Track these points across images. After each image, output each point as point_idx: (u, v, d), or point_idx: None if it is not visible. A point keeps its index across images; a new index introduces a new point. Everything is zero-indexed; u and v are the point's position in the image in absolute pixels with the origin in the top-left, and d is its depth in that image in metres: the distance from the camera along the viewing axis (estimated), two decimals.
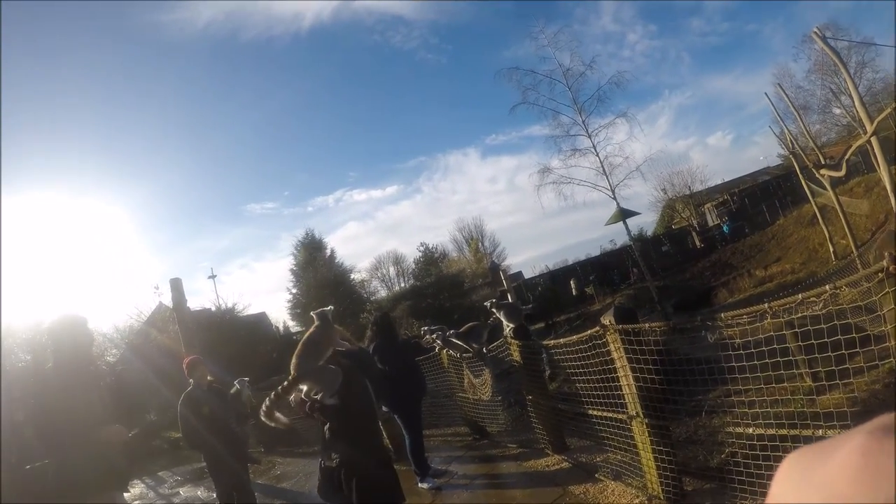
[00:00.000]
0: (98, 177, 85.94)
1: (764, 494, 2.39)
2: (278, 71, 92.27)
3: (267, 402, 3.92)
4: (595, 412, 5.04)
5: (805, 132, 22.03)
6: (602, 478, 5.12)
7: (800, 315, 2.95)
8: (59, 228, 55.70)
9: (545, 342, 6.47)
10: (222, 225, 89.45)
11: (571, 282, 33.02)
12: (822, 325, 2.85)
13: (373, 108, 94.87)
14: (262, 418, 4.01)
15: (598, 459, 5.37)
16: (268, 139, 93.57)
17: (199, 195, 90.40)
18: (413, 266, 50.28)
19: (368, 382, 4.26)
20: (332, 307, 4.30)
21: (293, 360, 3.94)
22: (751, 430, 3.43)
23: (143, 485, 12.34)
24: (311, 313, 4.25)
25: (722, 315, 3.37)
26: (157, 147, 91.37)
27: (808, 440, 3.02)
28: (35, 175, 68.65)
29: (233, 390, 6.81)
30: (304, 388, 3.93)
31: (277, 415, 4.00)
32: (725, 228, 36.36)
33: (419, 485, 6.66)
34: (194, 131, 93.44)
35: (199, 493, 10.01)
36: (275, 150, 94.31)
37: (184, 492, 10.81)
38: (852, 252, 16.73)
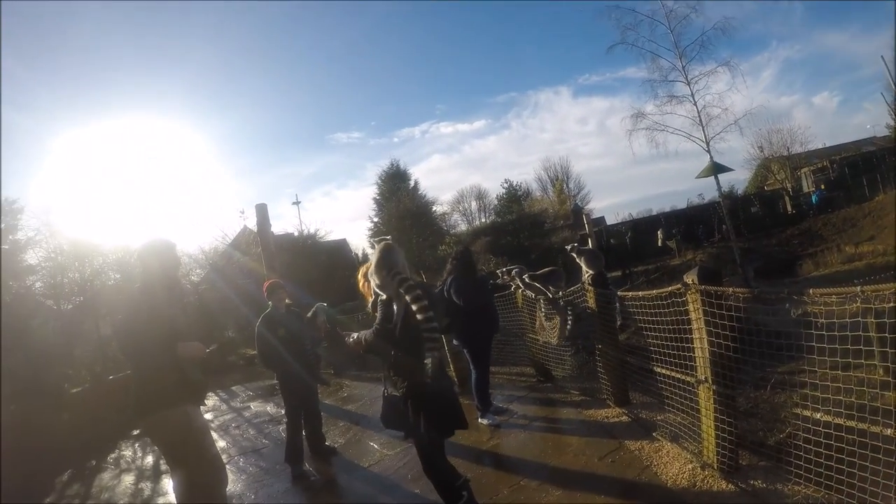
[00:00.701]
0: (188, 103, 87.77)
1: (818, 482, 2.34)
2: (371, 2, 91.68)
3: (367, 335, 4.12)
4: (662, 370, 4.99)
5: None
6: (659, 437, 5.12)
7: (892, 305, 2.82)
8: (149, 152, 57.17)
9: (620, 292, 6.38)
10: (308, 153, 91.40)
11: (659, 232, 32.24)
12: None
13: (465, 39, 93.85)
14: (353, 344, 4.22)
15: (658, 418, 5.36)
16: (356, 69, 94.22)
17: (287, 124, 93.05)
18: (495, 202, 50.33)
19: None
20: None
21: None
22: (818, 416, 3.33)
23: (217, 397, 12.99)
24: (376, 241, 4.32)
25: (810, 291, 3.24)
26: (247, 76, 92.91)
27: (875, 437, 2.95)
28: (127, 99, 70.67)
29: (309, 314, 6.99)
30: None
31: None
32: (814, 198, 34.74)
33: (479, 420, 6.81)
34: (283, 62, 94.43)
35: (268, 408, 10.43)
36: (362, 81, 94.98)
37: (254, 406, 11.28)
38: None
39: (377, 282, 4.06)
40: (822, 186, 36.14)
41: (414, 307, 3.83)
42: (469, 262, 7.32)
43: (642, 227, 36.16)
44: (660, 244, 31.46)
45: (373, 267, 4.10)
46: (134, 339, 3.94)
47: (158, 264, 4.21)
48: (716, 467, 4.19)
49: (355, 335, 4.21)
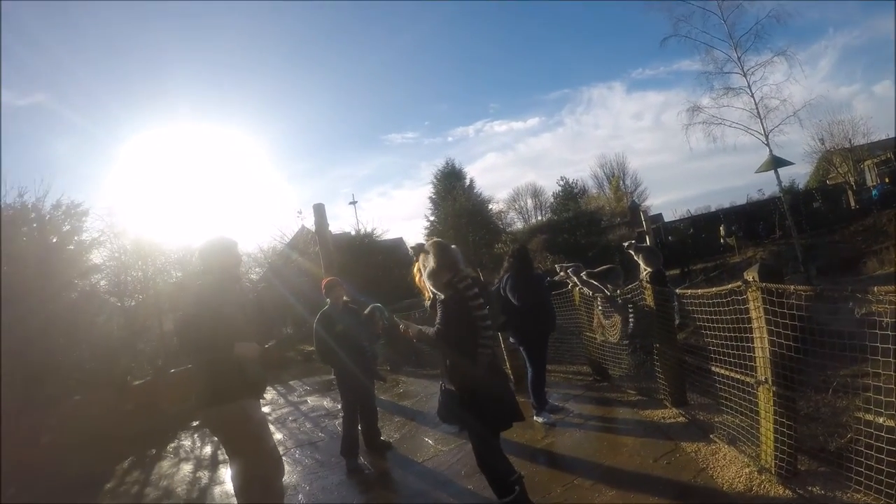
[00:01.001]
0: (245, 110, 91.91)
1: (879, 490, 2.28)
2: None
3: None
4: (721, 370, 4.92)
5: None
6: (716, 439, 5.06)
7: None
8: (210, 157, 58.54)
9: (678, 291, 6.31)
10: (363, 154, 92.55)
11: (721, 228, 31.64)
12: None
13: (516, 38, 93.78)
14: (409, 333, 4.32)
15: (716, 420, 5.28)
16: (408, 70, 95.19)
17: (342, 126, 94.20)
18: (551, 200, 50.29)
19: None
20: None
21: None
22: (881, 420, 3.24)
23: (275, 391, 13.28)
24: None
25: (874, 289, 3.16)
26: (302, 80, 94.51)
27: None
28: (186, 107, 72.50)
29: (366, 311, 7.06)
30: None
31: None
32: (874, 193, 33.64)
33: (535, 418, 6.82)
34: (336, 65, 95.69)
35: (324, 403, 10.58)
36: (415, 82, 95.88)
37: (311, 401, 11.47)
38: None
39: (432, 284, 4.10)
40: (887, 180, 34.99)
41: (470, 305, 3.91)
42: (525, 259, 7.28)
43: (701, 224, 35.52)
44: (721, 241, 30.88)
45: (426, 271, 4.14)
46: (194, 336, 4.04)
47: (219, 262, 4.34)
48: (773, 472, 4.12)
49: (415, 327, 4.26)
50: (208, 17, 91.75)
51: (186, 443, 9.68)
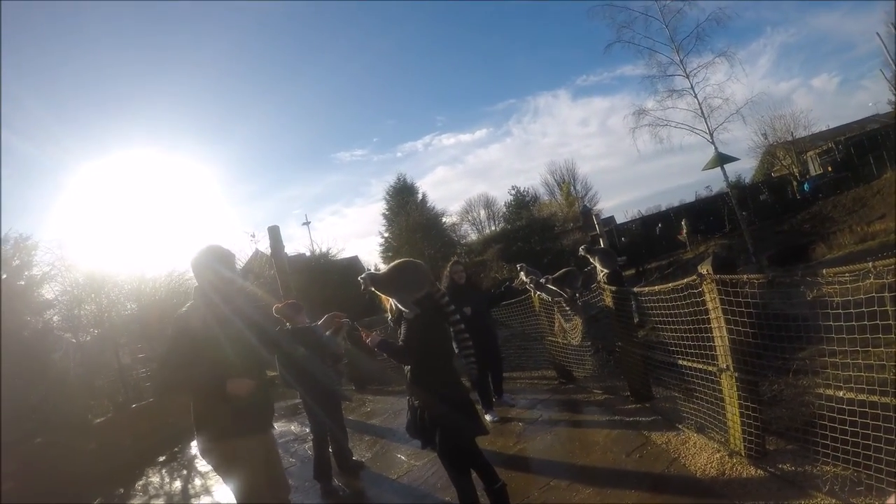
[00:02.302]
0: (191, 134, 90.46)
1: (847, 460, 2.37)
2: (363, 18, 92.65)
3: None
4: (684, 362, 5.02)
5: None
6: (685, 429, 5.15)
7: None
8: (157, 183, 57.45)
9: (635, 289, 6.42)
10: (313, 173, 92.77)
11: (683, 223, 32.13)
12: None
13: (460, 51, 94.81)
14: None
15: (683, 411, 5.36)
16: (354, 87, 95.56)
17: (289, 147, 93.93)
18: (504, 209, 50.75)
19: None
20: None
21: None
22: (841, 394, 3.35)
23: None
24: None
25: (823, 271, 3.27)
26: (247, 104, 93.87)
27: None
28: (135, 134, 71.64)
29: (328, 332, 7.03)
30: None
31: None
32: (806, 186, 34.56)
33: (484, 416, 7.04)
34: (279, 87, 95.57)
35: (292, 427, 10.44)
36: (362, 98, 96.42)
37: (279, 426, 11.27)
38: None
39: (401, 301, 4.16)
40: (829, 168, 35.97)
41: (449, 319, 4.05)
42: (449, 280, 7.54)
43: (652, 224, 36.15)
44: (684, 236, 31.39)
45: (392, 287, 4.20)
46: (176, 371, 3.89)
47: (211, 276, 3.95)
48: (743, 454, 4.22)
49: (376, 337, 4.28)
50: (157, 43, 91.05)
51: (154, 479, 9.49)
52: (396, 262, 4.44)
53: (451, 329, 4.33)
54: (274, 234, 13.48)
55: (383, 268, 4.53)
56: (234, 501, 3.94)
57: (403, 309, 4.16)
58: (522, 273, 8.11)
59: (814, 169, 39.98)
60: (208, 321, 3.80)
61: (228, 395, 3.67)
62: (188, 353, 3.74)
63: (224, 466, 3.89)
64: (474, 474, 4.32)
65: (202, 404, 3.82)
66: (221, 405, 3.71)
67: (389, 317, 4.53)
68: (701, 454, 4.63)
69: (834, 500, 3.34)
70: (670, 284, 4.98)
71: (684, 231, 31.21)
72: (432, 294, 4.24)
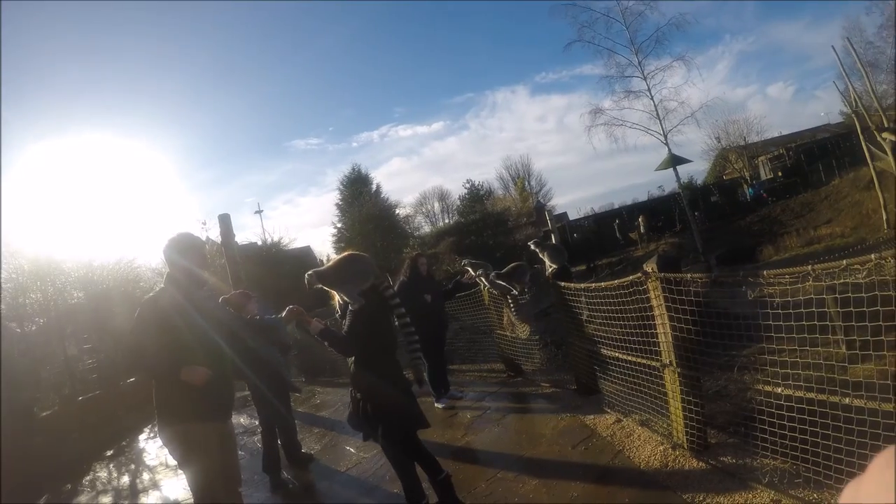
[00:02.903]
0: (146, 119, 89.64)
1: (785, 454, 2.45)
2: (323, 7, 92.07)
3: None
4: (628, 357, 5.11)
5: (871, 91, 21.19)
6: (629, 423, 5.25)
7: (841, 281, 2.95)
8: (108, 169, 56.04)
9: (583, 286, 6.50)
10: (268, 161, 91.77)
11: (640, 219, 32.57)
12: (863, 294, 2.84)
13: (420, 43, 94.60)
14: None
15: (628, 404, 5.44)
16: (312, 76, 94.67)
17: (245, 133, 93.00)
18: (458, 202, 50.71)
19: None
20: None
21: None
22: (779, 390, 3.46)
23: None
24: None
25: (764, 273, 3.37)
26: (203, 88, 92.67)
27: (834, 407, 3.08)
28: (85, 117, 69.87)
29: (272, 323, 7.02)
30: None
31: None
32: (750, 191, 35.34)
33: (435, 405, 7.39)
34: (236, 73, 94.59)
35: (241, 420, 10.36)
36: (319, 87, 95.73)
37: None
38: None
39: (347, 293, 4.18)
40: (780, 173, 36.84)
41: (395, 317, 4.12)
42: (415, 269, 7.71)
43: (604, 221, 36.64)
44: (642, 230, 31.82)
45: (337, 280, 4.23)
46: (139, 355, 3.93)
47: (184, 263, 4.01)
48: (686, 447, 4.31)
49: (318, 325, 4.27)
50: (108, 22, 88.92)
51: (102, 474, 9.36)
52: (341, 255, 4.49)
53: (397, 321, 4.36)
54: (224, 222, 13.23)
55: (329, 262, 4.56)
56: (185, 494, 3.95)
57: (349, 300, 4.18)
58: (470, 269, 8.19)
59: (764, 173, 40.95)
60: (178, 307, 3.84)
61: (181, 382, 3.69)
62: (153, 337, 3.77)
63: (179, 450, 3.91)
64: (420, 467, 4.37)
65: (162, 388, 3.85)
66: (178, 390, 3.75)
67: (338, 313, 4.57)
68: (645, 447, 4.71)
69: (773, 492, 3.43)
70: (616, 281, 5.06)
71: (641, 227, 31.71)
72: (377, 286, 4.28)
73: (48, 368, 15.03)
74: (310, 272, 4.40)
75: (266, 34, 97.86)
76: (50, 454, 11.19)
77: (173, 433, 3.86)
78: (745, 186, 37.39)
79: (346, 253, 4.50)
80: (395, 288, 7.10)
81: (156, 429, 3.97)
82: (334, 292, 4.38)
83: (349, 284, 4.20)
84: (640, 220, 32.71)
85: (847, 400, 3.05)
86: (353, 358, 4.28)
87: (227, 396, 4.19)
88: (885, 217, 19.00)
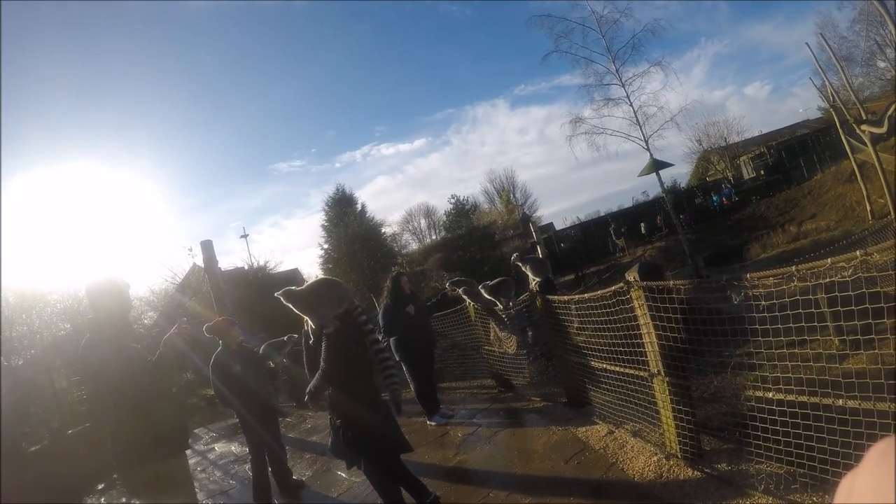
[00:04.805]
0: (132, 147, 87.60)
1: (781, 458, 2.38)
2: (303, 31, 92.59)
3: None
4: (616, 368, 5.04)
5: (847, 85, 21.38)
6: (621, 434, 5.18)
7: (828, 280, 2.90)
8: (95, 197, 56.04)
9: (567, 297, 6.45)
10: (252, 185, 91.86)
11: (611, 230, 32.72)
12: (850, 293, 2.79)
13: (398, 62, 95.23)
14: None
15: (619, 415, 5.38)
16: (292, 99, 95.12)
17: (229, 158, 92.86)
18: (444, 218, 50.66)
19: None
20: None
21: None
22: (770, 395, 3.41)
23: None
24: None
25: (748, 276, 3.32)
26: (187, 116, 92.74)
27: (827, 409, 3.02)
28: (72, 145, 69.80)
29: (262, 349, 6.98)
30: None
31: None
32: (715, 199, 35.40)
33: (428, 423, 7.28)
34: (221, 98, 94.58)
35: (232, 448, 10.24)
36: (300, 109, 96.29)
37: (218, 447, 11.06)
38: (890, 213, 16.41)
39: (317, 317, 4.13)
40: (762, 172, 37.06)
41: (368, 337, 4.02)
42: (398, 288, 7.51)
43: (591, 229, 36.71)
44: (616, 239, 31.93)
45: (311, 304, 4.18)
46: (101, 392, 3.87)
47: (107, 307, 3.99)
48: (680, 456, 4.25)
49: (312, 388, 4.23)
50: (96, 54, 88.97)
51: None
52: (315, 279, 4.46)
53: (371, 347, 4.29)
54: (207, 248, 13.17)
55: (303, 286, 4.49)
56: None
57: (322, 324, 4.11)
58: (456, 285, 8.17)
59: (747, 173, 41.22)
60: (104, 355, 3.81)
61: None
62: (93, 383, 3.86)
63: (129, 493, 3.90)
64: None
65: (107, 433, 3.87)
66: (117, 433, 3.80)
67: (307, 338, 4.53)
68: (638, 458, 4.65)
69: (770, 499, 3.37)
70: (599, 292, 5.01)
71: (614, 236, 31.93)
72: (350, 311, 4.22)
73: (36, 403, 14.83)
74: (280, 291, 4.35)
75: (246, 59, 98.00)
76: (41, 488, 11.02)
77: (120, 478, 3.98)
78: (713, 194, 37.38)
79: (319, 278, 4.48)
80: (381, 312, 7.08)
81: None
82: (306, 320, 4.33)
83: (323, 308, 4.14)
84: (640, 226, 32.84)
85: (841, 402, 3.00)
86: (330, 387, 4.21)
87: (164, 435, 4.04)
88: (868, 208, 19.13)
